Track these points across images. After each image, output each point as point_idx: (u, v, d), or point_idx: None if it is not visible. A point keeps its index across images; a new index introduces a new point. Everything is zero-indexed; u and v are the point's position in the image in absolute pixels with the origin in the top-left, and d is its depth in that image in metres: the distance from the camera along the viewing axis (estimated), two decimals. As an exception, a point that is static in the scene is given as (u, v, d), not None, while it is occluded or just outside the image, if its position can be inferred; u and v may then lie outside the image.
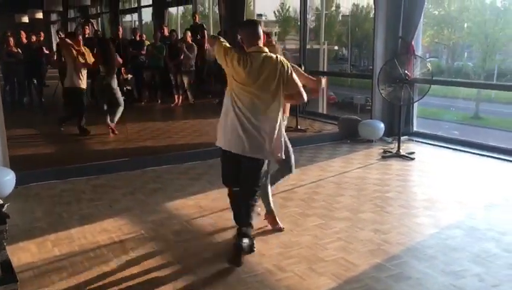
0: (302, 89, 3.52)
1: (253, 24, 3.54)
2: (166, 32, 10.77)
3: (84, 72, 7.27)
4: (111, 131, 7.28)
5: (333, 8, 26.42)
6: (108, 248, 3.67)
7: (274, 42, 4.10)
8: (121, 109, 7.38)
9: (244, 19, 10.65)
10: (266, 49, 3.45)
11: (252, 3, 13.51)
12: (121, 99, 7.44)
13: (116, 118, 7.36)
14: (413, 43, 6.86)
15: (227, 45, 3.45)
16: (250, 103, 3.33)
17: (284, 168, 4.02)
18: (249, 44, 3.42)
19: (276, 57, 3.41)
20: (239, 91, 3.35)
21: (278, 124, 3.45)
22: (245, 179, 3.50)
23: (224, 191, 4.88)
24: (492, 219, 4.13)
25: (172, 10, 15.99)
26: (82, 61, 7.13)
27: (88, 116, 7.50)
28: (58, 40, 10.90)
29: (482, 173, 5.59)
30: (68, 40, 7.37)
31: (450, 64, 22.39)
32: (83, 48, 7.28)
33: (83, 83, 7.29)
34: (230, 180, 3.62)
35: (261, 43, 3.44)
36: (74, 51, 7.15)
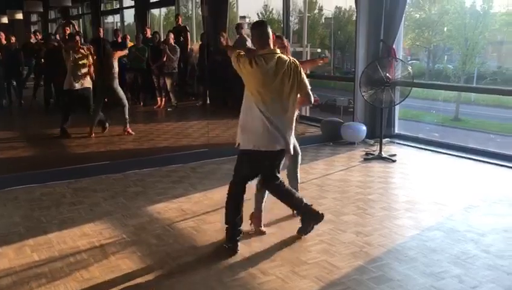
0: (310, 91, 3.67)
1: (262, 25, 3.62)
2: (148, 34, 10.70)
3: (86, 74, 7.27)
4: (127, 133, 7.30)
5: (316, 11, 26.60)
6: (89, 252, 3.63)
7: (286, 44, 4.18)
8: (126, 109, 7.38)
9: (227, 21, 10.68)
10: (278, 51, 3.56)
11: (235, 5, 13.52)
12: (125, 98, 7.44)
13: (127, 119, 7.36)
14: (394, 46, 6.94)
15: (241, 52, 3.57)
16: (270, 103, 3.47)
17: (289, 168, 4.28)
18: (261, 46, 3.52)
19: (289, 58, 3.57)
20: (258, 93, 3.47)
21: (294, 124, 3.67)
22: (271, 171, 3.68)
23: (206, 194, 4.87)
24: (471, 221, 4.19)
25: (155, 11, 15.89)
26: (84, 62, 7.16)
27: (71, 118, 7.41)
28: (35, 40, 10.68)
29: (462, 174, 5.67)
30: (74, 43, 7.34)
31: (431, 67, 22.70)
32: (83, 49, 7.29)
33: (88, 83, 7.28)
34: (249, 179, 3.73)
35: (271, 44, 3.54)
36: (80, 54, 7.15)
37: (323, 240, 3.79)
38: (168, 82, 9.73)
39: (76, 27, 13.67)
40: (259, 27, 3.59)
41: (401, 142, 7.14)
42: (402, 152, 6.62)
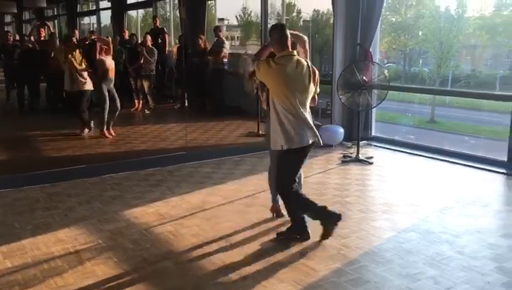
0: None
1: (282, 28, 3.71)
2: (126, 36, 10.59)
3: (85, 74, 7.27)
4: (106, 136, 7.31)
5: (294, 14, 26.73)
6: (63, 259, 3.56)
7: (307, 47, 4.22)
8: (106, 111, 7.38)
9: (205, 23, 10.64)
10: (295, 52, 3.70)
11: (213, 7, 13.48)
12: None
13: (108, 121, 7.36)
14: (371, 49, 7.02)
15: (259, 62, 3.65)
16: (297, 102, 3.61)
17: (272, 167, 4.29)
18: (280, 48, 3.65)
19: (306, 60, 3.73)
20: (285, 94, 3.59)
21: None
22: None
23: (184, 198, 4.84)
24: (446, 222, 4.26)
25: (132, 13, 15.74)
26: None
27: (44, 120, 7.29)
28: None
29: (436, 176, 5.77)
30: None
31: (407, 70, 23.04)
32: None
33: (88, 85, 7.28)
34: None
35: (290, 46, 3.66)
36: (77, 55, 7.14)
37: (301, 243, 3.80)
38: (146, 84, 9.63)
39: (51, 28, 13.44)
40: (279, 30, 3.68)
41: (378, 144, 7.23)
42: (379, 154, 6.69)
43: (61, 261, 3.51)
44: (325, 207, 3.79)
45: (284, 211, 4.18)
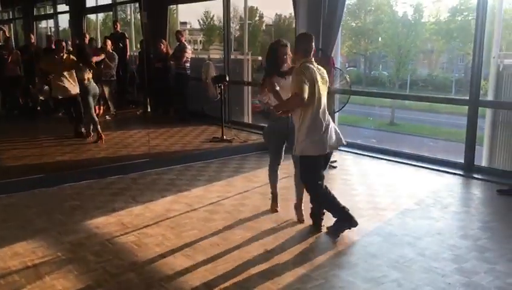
0: None
1: (310, 39, 3.99)
2: (86, 41, 10.34)
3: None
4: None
5: (257, 18, 26.83)
6: (21, 273, 3.42)
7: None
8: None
9: (167, 28, 10.52)
10: (313, 59, 3.97)
11: (175, 11, 13.35)
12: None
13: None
14: (332, 55, 7.11)
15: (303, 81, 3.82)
16: (323, 107, 3.93)
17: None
18: (303, 56, 3.91)
19: (319, 67, 4.01)
20: (313, 100, 3.84)
21: None
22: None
23: (148, 206, 4.75)
24: (407, 225, 4.35)
25: (92, 16, 15.40)
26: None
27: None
28: None
29: (398, 179, 5.89)
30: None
31: (367, 74, 23.53)
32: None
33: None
34: None
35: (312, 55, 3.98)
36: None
37: (267, 249, 3.80)
38: (107, 90, 9.43)
39: (6, 32, 12.98)
40: (309, 41, 3.97)
41: (341, 148, 7.30)
42: (342, 158, 6.78)
43: (19, 276, 3.37)
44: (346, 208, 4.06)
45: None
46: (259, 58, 11.82)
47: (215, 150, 7.06)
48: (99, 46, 10.19)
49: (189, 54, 9.46)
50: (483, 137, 6.38)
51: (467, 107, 6.07)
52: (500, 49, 6.46)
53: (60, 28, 16.33)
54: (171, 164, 6.37)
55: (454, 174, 5.98)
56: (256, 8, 26.73)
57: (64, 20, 15.28)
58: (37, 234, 4.11)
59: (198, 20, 25.43)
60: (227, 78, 7.85)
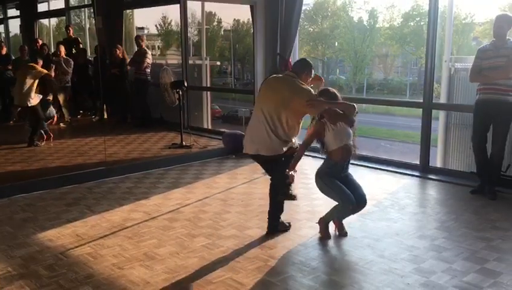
0: None
1: (311, 67, 4.50)
2: (38, 46, 9.99)
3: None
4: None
5: (215, 23, 26.78)
6: (-33, 292, 3.23)
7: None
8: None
9: (123, 33, 10.30)
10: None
11: (132, 15, 13.13)
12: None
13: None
14: (290, 59, 7.15)
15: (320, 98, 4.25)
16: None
17: None
18: (305, 79, 4.38)
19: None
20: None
21: None
22: None
23: (104, 216, 4.61)
24: (367, 226, 4.40)
25: (45, 21, 14.92)
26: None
27: None
28: None
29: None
30: None
31: (325, 78, 23.88)
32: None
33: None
34: None
35: None
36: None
37: (227, 257, 3.74)
38: (61, 97, 9.14)
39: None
40: (311, 68, 4.50)
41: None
42: (304, 162, 6.77)
43: (-36, 296, 3.18)
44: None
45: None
46: (218, 63, 11.78)
47: (174, 157, 6.95)
48: (52, 51, 9.86)
49: (150, 59, 9.32)
50: (437, 138, 6.57)
51: (421, 109, 6.23)
52: (452, 53, 6.68)
53: (11, 34, 15.72)
54: (129, 172, 6.22)
55: (411, 175, 6.12)
56: (215, 14, 26.71)
57: (15, 26, 14.73)
58: (-16, 250, 3.89)
59: (155, 25, 25.17)
60: (186, 84, 7.76)
